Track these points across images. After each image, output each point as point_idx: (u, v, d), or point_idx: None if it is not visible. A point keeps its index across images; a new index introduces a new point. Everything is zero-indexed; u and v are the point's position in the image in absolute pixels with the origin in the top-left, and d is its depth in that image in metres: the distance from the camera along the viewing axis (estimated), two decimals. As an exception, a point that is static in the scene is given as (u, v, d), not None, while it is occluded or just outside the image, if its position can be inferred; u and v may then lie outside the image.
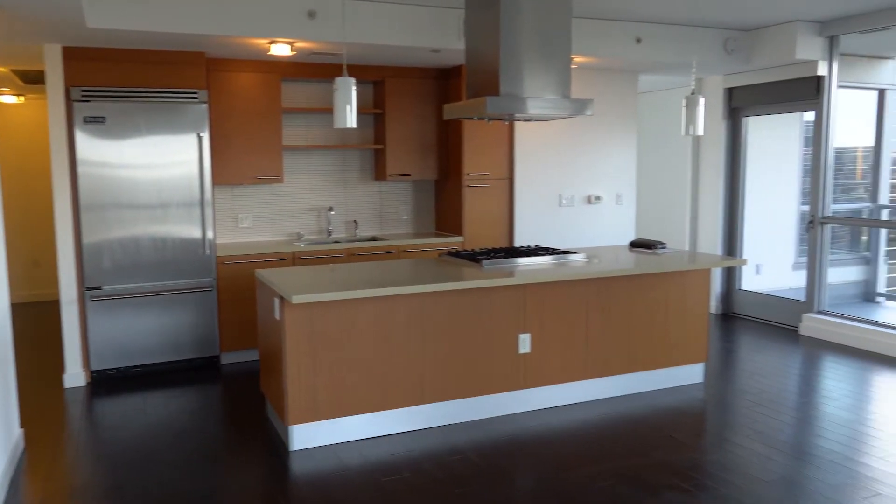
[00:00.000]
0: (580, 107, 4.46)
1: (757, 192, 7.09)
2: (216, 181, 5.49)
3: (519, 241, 6.20)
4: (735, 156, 7.05)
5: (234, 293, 5.36)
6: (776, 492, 3.31)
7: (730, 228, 7.13)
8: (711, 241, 7.18)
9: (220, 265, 5.30)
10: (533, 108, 4.30)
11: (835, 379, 5.10)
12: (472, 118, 4.67)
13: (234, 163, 5.54)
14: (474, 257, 4.50)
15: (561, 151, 6.36)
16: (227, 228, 5.83)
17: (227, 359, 5.45)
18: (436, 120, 6.22)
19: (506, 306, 4.24)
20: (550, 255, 4.64)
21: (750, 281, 7.15)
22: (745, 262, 4.81)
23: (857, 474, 3.48)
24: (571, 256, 4.67)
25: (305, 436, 3.83)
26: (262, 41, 4.80)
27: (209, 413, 4.44)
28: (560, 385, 4.46)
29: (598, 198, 6.54)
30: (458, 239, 6.03)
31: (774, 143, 7.17)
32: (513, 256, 4.53)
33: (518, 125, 6.11)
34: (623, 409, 4.42)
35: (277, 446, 3.88)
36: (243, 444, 3.94)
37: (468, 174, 5.96)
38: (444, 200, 6.36)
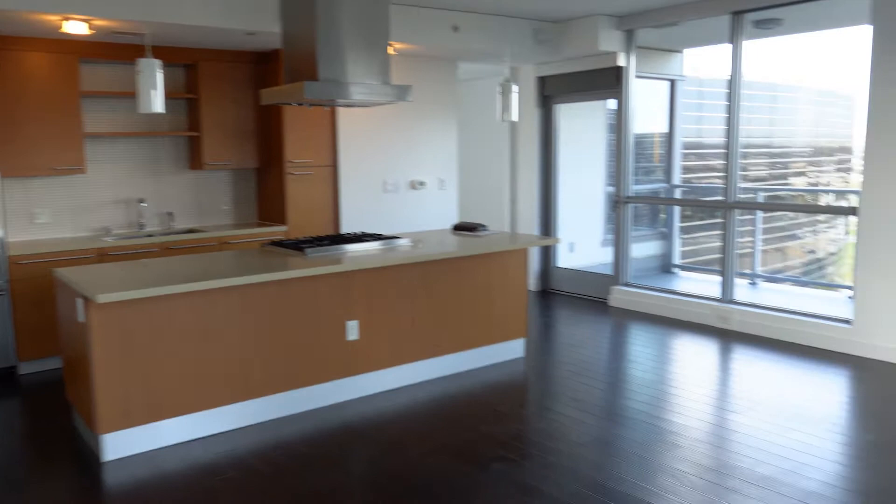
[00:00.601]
0: (400, 93, 4.49)
1: (569, 176, 7.53)
2: (5, 174, 4.94)
3: (345, 229, 6.16)
4: (548, 141, 7.45)
5: (32, 296, 4.87)
6: (592, 453, 3.56)
7: (545, 210, 7.52)
8: (529, 222, 7.54)
9: (12, 266, 4.79)
10: (352, 93, 4.26)
11: (640, 345, 5.56)
12: (290, 104, 4.55)
13: (26, 153, 5.01)
14: (298, 246, 4.41)
15: (385, 138, 6.38)
16: (21, 226, 5.28)
17: (26, 368, 4.95)
18: (255, 106, 6.00)
19: (331, 294, 4.19)
20: (376, 241, 4.65)
21: (565, 258, 7.61)
22: (557, 240, 5.10)
23: (660, 430, 3.83)
24: (396, 241, 4.71)
25: (119, 444, 3.57)
26: (53, 17, 4.36)
27: (7, 429, 4.01)
28: (390, 369, 4.50)
29: (422, 183, 6.65)
30: (283, 228, 5.87)
31: (583, 129, 7.66)
32: (338, 244, 4.49)
33: (341, 111, 6.04)
34: (451, 388, 4.54)
35: (88, 459, 3.59)
36: (49, 459, 3.60)
37: (290, 161, 5.82)
38: (266, 189, 6.17)
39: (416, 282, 4.55)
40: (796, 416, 3.95)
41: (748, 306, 5.79)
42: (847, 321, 5.17)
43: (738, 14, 5.62)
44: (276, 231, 5.84)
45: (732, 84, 5.76)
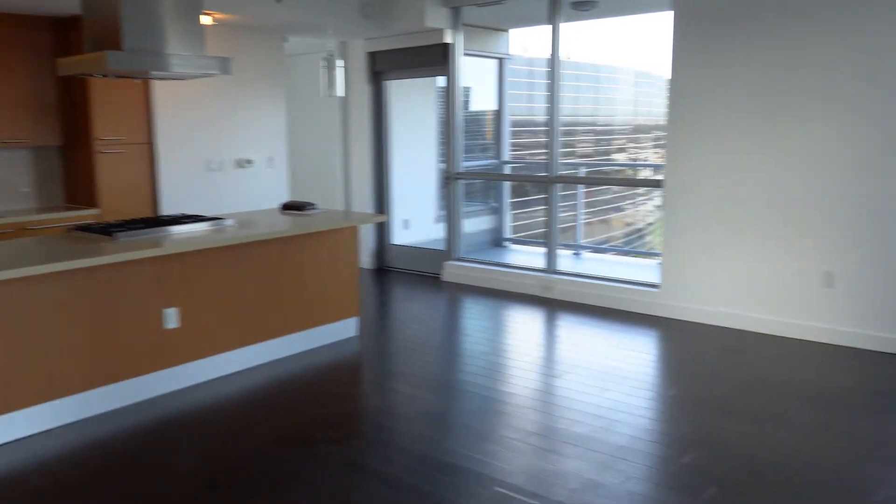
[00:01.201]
0: (221, 65, 4.26)
1: (402, 152, 7.55)
2: None
3: (166, 210, 5.80)
4: (380, 118, 7.40)
5: None
6: (423, 427, 3.61)
7: (379, 187, 7.50)
8: (363, 199, 7.49)
9: None
10: (162, 64, 3.99)
11: (472, 318, 5.72)
12: (94, 75, 4.18)
13: None
14: (107, 230, 4.08)
15: (207, 114, 6.05)
16: None
17: None
18: (56, 77, 5.46)
19: (146, 281, 3.93)
20: (198, 222, 4.40)
21: (400, 235, 7.65)
22: (384, 217, 5.11)
23: (488, 399, 3.95)
24: (221, 223, 4.49)
25: None
26: None
27: None
28: (216, 356, 4.31)
29: (249, 161, 6.39)
30: (94, 212, 5.42)
31: (415, 105, 7.69)
32: (153, 227, 4.21)
33: (156, 85, 5.65)
34: (282, 372, 4.43)
35: None
36: None
37: (100, 139, 5.36)
38: (73, 169, 5.66)
39: (243, 264, 4.38)
40: (610, 377, 4.24)
41: (569, 276, 6.12)
42: (656, 286, 5.60)
43: (555, -4, 5.84)
44: (87, 215, 5.39)
45: (552, 63, 6.00)
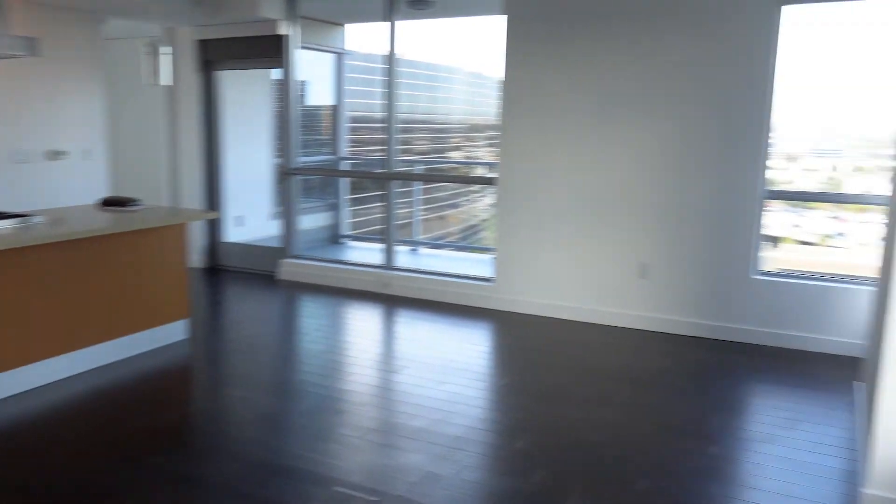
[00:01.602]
0: (24, 45, 3.88)
1: (235, 147, 7.25)
2: None
3: (-39, 206, 5.19)
4: (210, 110, 7.06)
5: None
6: (258, 430, 3.50)
7: (210, 182, 7.17)
8: (193, 195, 7.13)
9: None
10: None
11: (309, 316, 5.63)
12: None
13: None
14: None
15: (13, 100, 5.48)
16: None
17: None
18: None
19: (-62, 285, 3.50)
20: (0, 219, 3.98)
21: (234, 233, 7.36)
22: (216, 214, 4.91)
23: (326, 398, 3.90)
24: (28, 220, 4.08)
25: None
26: None
27: None
28: (28, 366, 3.92)
29: (61, 153, 5.86)
30: None
31: (248, 98, 7.41)
32: (-55, 224, 3.75)
33: (-54, 65, 5.03)
34: (102, 381, 4.11)
35: None
36: None
37: None
38: None
39: (55, 265, 4.01)
40: (447, 370, 4.33)
41: (407, 272, 6.19)
42: (490, 280, 5.80)
43: (391, -7, 5.87)
44: None
45: (389, 60, 6.02)
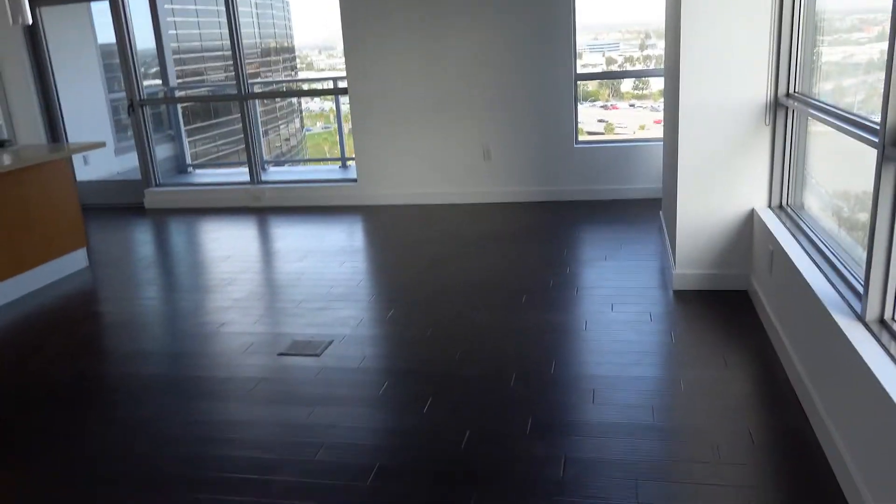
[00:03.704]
0: None
1: (69, 84, 7.16)
2: None
3: None
4: (38, 48, 6.90)
5: None
6: (215, 311, 4.06)
7: (50, 123, 7.07)
8: (35, 135, 7.00)
9: None
10: None
11: (201, 233, 6.04)
12: None
13: None
14: None
15: None
16: None
17: None
18: None
19: None
20: None
21: (81, 172, 7.34)
22: (103, 144, 5.12)
23: (256, 285, 4.50)
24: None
25: None
26: None
27: None
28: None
29: None
30: None
31: (74, 34, 7.29)
32: None
33: None
34: (18, 313, 4.40)
35: None
36: None
37: None
38: None
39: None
40: (343, 252, 5.06)
41: (275, 183, 6.72)
42: (354, 180, 6.51)
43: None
44: None
45: (227, -14, 6.32)
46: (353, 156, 6.46)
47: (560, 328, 3.58)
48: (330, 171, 7.75)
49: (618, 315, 3.65)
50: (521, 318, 3.72)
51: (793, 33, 3.38)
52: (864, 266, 2.22)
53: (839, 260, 2.67)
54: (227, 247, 5.52)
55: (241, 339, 3.67)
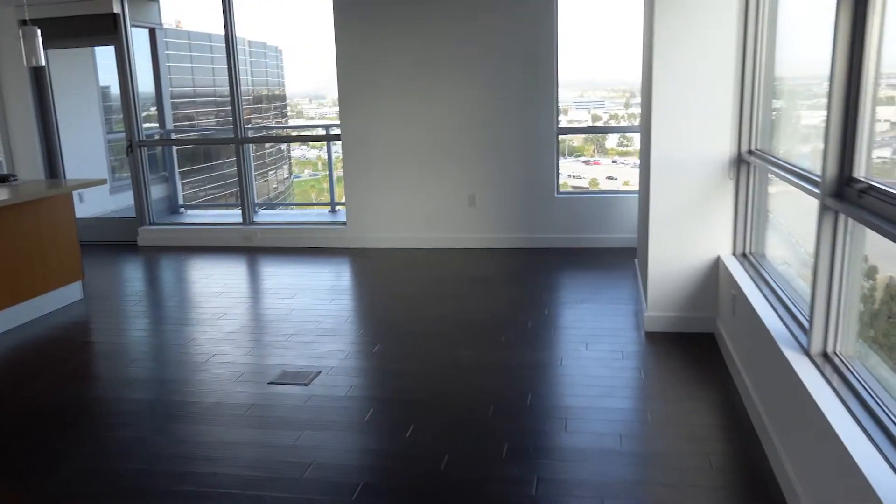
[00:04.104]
0: None
1: (70, 124, 7.39)
2: None
3: None
4: (43, 88, 7.14)
5: None
6: (208, 342, 4.22)
7: (50, 160, 7.27)
8: (34, 171, 7.19)
9: None
10: None
11: (192, 270, 6.20)
12: None
13: None
14: None
15: None
16: None
17: None
18: None
19: None
20: None
21: (77, 209, 7.48)
22: (104, 181, 5.33)
23: (246, 319, 4.67)
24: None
25: None
26: None
27: None
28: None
29: None
30: None
31: (77, 76, 7.56)
32: None
33: None
34: (15, 341, 4.54)
35: None
36: None
37: None
38: None
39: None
40: (331, 292, 5.25)
41: (267, 224, 6.93)
42: (343, 224, 6.74)
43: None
44: None
45: (232, 38, 6.62)
46: (343, 200, 6.71)
47: (537, 364, 3.78)
48: (319, 214, 7.98)
49: (592, 353, 3.86)
50: (500, 355, 3.92)
51: (753, 96, 3.70)
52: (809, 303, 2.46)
53: (790, 300, 2.91)
54: (219, 283, 5.69)
55: (232, 369, 3.83)
